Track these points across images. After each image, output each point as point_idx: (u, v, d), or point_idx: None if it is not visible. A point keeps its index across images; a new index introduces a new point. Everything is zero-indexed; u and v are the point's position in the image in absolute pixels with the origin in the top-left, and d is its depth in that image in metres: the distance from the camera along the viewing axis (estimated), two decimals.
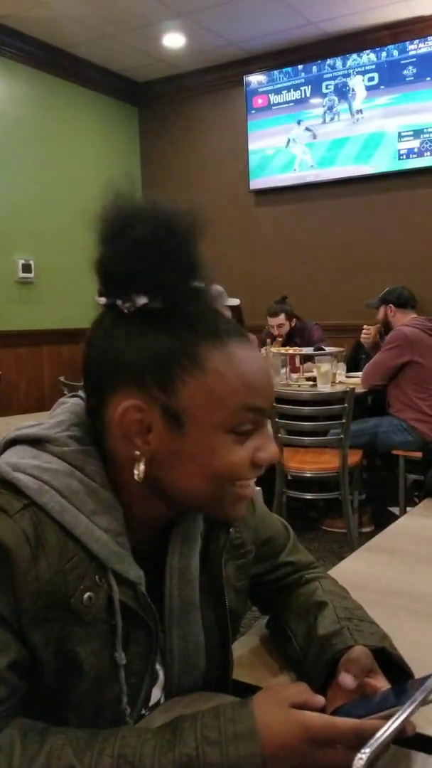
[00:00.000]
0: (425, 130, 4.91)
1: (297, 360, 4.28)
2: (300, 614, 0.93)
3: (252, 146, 5.63)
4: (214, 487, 0.73)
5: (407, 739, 0.70)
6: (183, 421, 0.71)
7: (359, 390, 3.72)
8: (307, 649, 0.87)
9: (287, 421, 3.44)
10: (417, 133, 4.94)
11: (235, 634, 0.93)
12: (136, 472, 0.72)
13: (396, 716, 0.53)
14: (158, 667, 0.82)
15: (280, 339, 4.75)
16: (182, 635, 0.82)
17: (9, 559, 0.67)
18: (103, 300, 0.74)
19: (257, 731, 0.64)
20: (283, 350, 4.36)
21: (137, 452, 0.72)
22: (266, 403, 0.74)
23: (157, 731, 0.67)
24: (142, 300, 0.70)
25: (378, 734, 0.51)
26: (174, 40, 5.17)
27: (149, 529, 0.80)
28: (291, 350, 4.36)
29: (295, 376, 4.18)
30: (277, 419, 3.44)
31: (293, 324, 4.75)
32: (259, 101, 5.58)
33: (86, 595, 0.70)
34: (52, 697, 0.71)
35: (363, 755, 0.50)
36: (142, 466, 0.72)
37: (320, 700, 0.70)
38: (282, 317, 4.72)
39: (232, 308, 4.23)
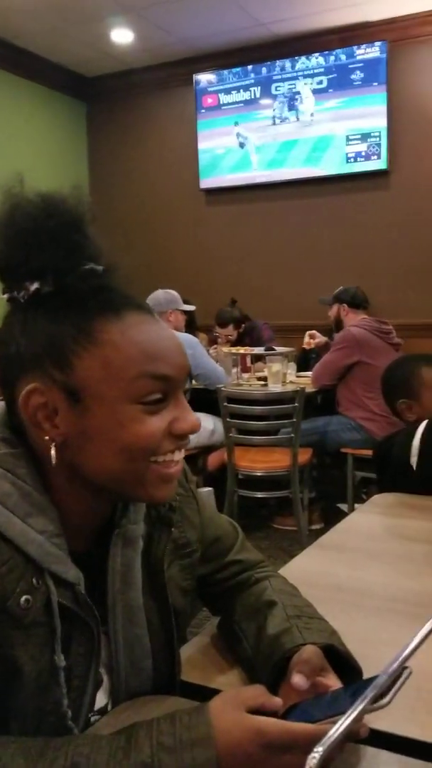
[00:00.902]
0: (371, 134, 4.99)
1: (248, 360, 4.30)
2: (250, 614, 0.92)
3: (202, 145, 5.63)
4: (127, 462, 0.72)
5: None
6: (83, 396, 0.70)
7: (309, 389, 3.76)
8: (258, 649, 0.86)
9: (238, 421, 3.45)
10: (364, 136, 5.01)
11: (183, 635, 0.93)
12: (52, 457, 0.71)
13: (347, 715, 0.53)
14: (102, 670, 0.80)
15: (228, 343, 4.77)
16: (127, 638, 0.81)
17: None
18: (5, 295, 0.75)
19: (213, 737, 0.64)
20: (233, 350, 4.37)
21: (47, 437, 0.72)
22: (173, 371, 0.73)
23: (112, 739, 0.66)
24: (34, 286, 0.71)
25: (330, 733, 0.51)
26: (122, 36, 5.12)
27: (87, 529, 0.80)
28: (242, 350, 4.38)
29: (246, 375, 4.20)
30: (228, 419, 3.44)
31: (241, 329, 4.77)
32: (209, 100, 5.58)
33: (23, 597, 0.69)
34: None
35: (315, 754, 0.50)
36: (53, 451, 0.71)
37: (277, 702, 0.70)
38: (230, 328, 4.73)
39: (186, 312, 4.24)
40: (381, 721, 0.76)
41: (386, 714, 0.76)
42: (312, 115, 5.21)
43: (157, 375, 0.72)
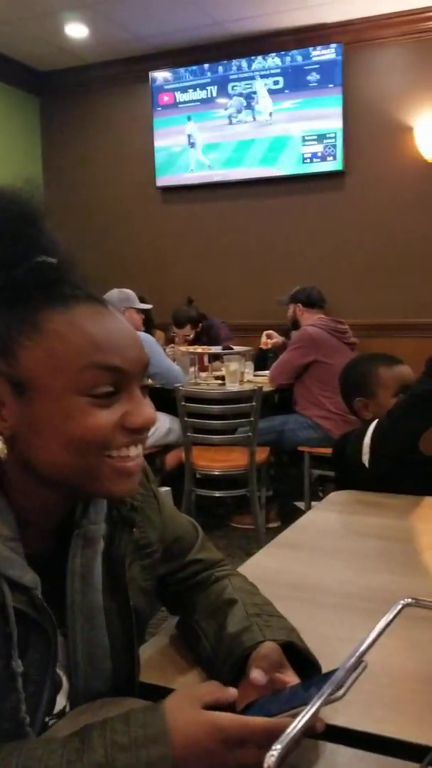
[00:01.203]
0: (327, 136, 5.04)
1: (205, 359, 4.30)
2: (210, 613, 0.92)
3: (158, 143, 5.61)
4: (78, 456, 0.70)
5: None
6: (29, 387, 0.69)
7: (267, 388, 3.78)
8: (218, 648, 0.86)
9: (196, 420, 3.45)
10: (320, 137, 5.06)
11: (142, 635, 0.92)
12: (1, 451, 0.70)
13: (305, 711, 0.54)
14: (60, 672, 0.79)
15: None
16: (86, 639, 0.79)
17: None
18: None
19: (168, 734, 0.63)
20: (191, 349, 4.37)
21: None
22: (125, 363, 0.71)
23: (65, 741, 0.65)
24: None
25: (288, 730, 0.51)
26: (77, 31, 5.07)
27: (46, 529, 0.78)
28: (199, 349, 4.38)
29: (203, 374, 4.20)
30: (185, 418, 3.44)
31: (198, 329, 4.77)
32: (165, 98, 5.57)
33: None
34: None
35: (274, 752, 0.50)
36: (1, 445, 0.70)
37: (232, 692, 0.70)
38: (188, 327, 4.72)
39: (143, 311, 4.23)
40: (339, 717, 0.77)
41: (344, 709, 0.77)
42: (269, 115, 5.24)
43: (108, 366, 0.70)
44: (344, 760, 0.74)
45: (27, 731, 0.72)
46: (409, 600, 0.74)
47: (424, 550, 1.48)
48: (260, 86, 5.23)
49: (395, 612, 0.71)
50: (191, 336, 4.74)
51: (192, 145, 5.52)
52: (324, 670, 0.81)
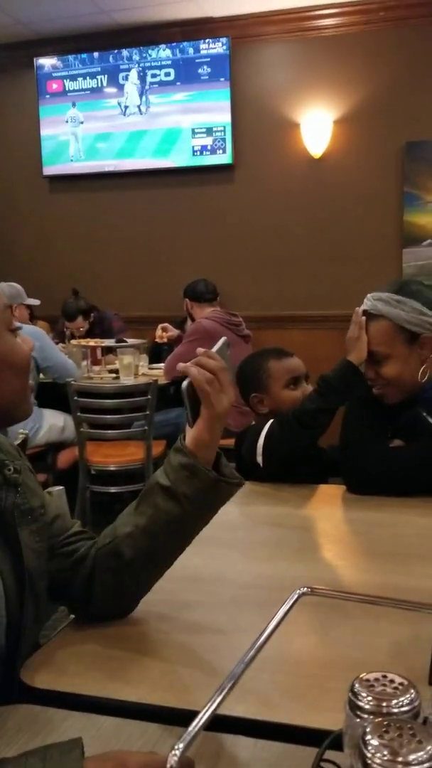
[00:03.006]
0: (214, 129, 5.07)
1: (98, 352, 4.23)
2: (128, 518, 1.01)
3: (45, 131, 5.45)
4: (19, 378, 0.93)
5: (217, 723, 0.71)
6: None
7: (162, 381, 3.77)
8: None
9: (89, 415, 3.39)
10: (209, 130, 5.09)
11: (40, 606, 0.94)
12: None
13: (206, 708, 0.53)
14: None
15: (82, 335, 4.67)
16: None
17: None
18: None
19: None
20: (83, 342, 4.28)
21: None
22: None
23: None
24: None
25: (189, 728, 0.51)
26: None
27: None
28: (92, 342, 4.30)
29: (96, 368, 4.13)
30: (78, 413, 3.37)
31: (90, 319, 4.69)
32: (54, 86, 5.41)
33: None
34: None
35: (177, 750, 0.49)
36: None
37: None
38: (80, 319, 4.62)
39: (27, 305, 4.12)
40: (238, 707, 0.78)
41: (242, 700, 0.78)
42: (159, 106, 5.21)
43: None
44: (246, 751, 0.74)
45: None
46: (305, 589, 0.75)
47: (318, 537, 1.52)
48: (151, 78, 5.19)
49: (292, 602, 0.72)
50: (85, 327, 4.64)
51: (74, 134, 5.40)
52: (224, 662, 0.81)
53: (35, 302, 4.17)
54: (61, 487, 1.41)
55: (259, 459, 1.75)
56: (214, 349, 1.09)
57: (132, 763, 0.62)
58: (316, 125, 4.82)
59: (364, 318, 1.70)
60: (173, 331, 4.43)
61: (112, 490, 3.57)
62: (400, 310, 1.64)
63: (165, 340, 4.46)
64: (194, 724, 0.51)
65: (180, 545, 1.02)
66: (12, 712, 0.82)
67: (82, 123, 5.39)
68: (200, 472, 0.96)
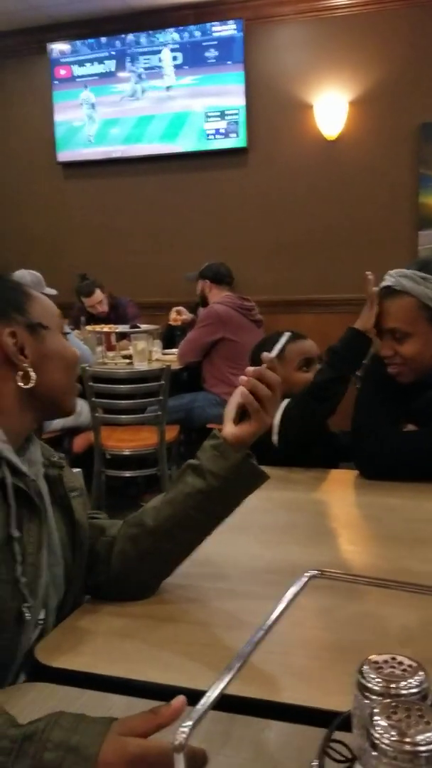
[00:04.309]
0: (227, 112, 5.03)
1: (113, 338, 4.24)
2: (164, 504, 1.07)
3: (58, 117, 5.44)
4: (69, 374, 1.04)
5: (227, 703, 0.72)
6: (40, 327, 0.99)
7: (175, 367, 3.77)
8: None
9: (104, 400, 3.40)
10: (223, 114, 5.05)
11: (83, 556, 1.05)
12: (22, 383, 0.96)
13: (214, 686, 0.54)
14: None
15: (103, 315, 4.67)
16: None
17: None
18: None
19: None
20: (98, 328, 4.30)
21: (24, 365, 0.96)
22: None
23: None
24: None
25: (198, 706, 0.52)
26: None
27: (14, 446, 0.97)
28: (106, 328, 4.31)
29: (111, 354, 4.15)
30: (93, 398, 3.39)
31: (105, 293, 4.69)
32: (62, 72, 5.39)
33: None
34: None
35: (185, 729, 0.50)
36: (32, 373, 0.96)
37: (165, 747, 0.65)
38: (98, 293, 4.64)
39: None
40: (247, 689, 0.78)
41: (252, 681, 0.79)
42: (168, 89, 5.17)
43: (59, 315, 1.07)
44: (255, 732, 0.75)
45: (24, 593, 0.89)
46: (315, 572, 0.76)
47: (330, 522, 1.53)
48: (160, 61, 5.15)
49: (301, 584, 0.73)
50: (104, 301, 4.64)
51: (90, 117, 5.38)
52: (234, 643, 0.82)
53: (53, 292, 4.16)
54: (78, 469, 1.43)
55: (275, 438, 1.74)
56: (278, 346, 1.11)
57: (133, 747, 0.62)
58: (331, 107, 4.78)
59: (375, 289, 1.69)
60: (187, 315, 4.43)
61: (127, 474, 3.60)
62: (425, 288, 1.62)
63: (179, 323, 4.45)
64: (202, 703, 0.52)
65: (200, 525, 1.05)
66: (28, 689, 0.84)
67: (94, 108, 5.37)
68: (228, 452, 1.03)
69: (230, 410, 1.06)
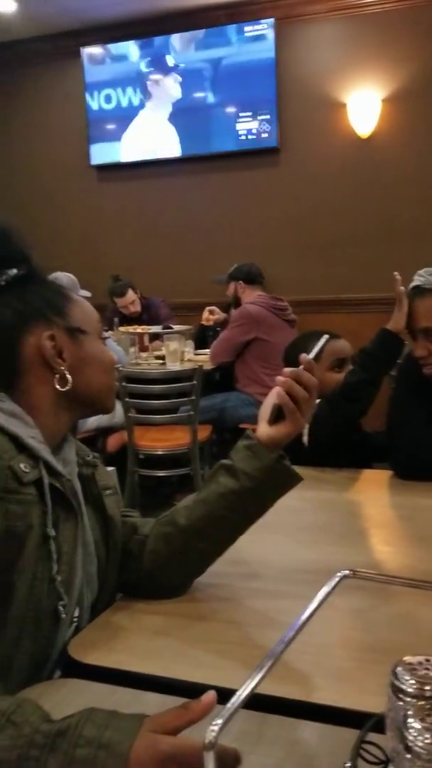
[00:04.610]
0: (258, 113, 5.00)
1: (146, 339, 4.27)
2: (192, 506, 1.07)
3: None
4: (109, 376, 1.07)
5: (259, 703, 0.72)
6: (79, 332, 1.01)
7: (207, 367, 3.78)
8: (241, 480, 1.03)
9: (137, 400, 3.42)
10: (254, 114, 5.03)
11: (117, 552, 1.05)
12: (59, 386, 0.97)
13: (245, 685, 0.54)
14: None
15: (136, 315, 4.70)
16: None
17: None
18: None
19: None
20: (131, 329, 4.33)
21: (61, 368, 0.98)
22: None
23: (31, 735, 0.65)
24: (12, 272, 1.00)
25: (229, 704, 0.52)
26: (5, 5, 4.89)
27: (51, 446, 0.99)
28: (139, 329, 4.34)
29: (144, 354, 4.17)
30: (127, 398, 3.41)
31: (138, 293, 4.72)
32: (97, 75, 5.44)
33: (22, 465, 0.89)
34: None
35: (215, 726, 0.50)
36: (68, 377, 0.98)
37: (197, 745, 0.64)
38: (130, 293, 4.67)
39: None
40: (280, 688, 0.78)
41: (285, 681, 0.78)
42: (199, 90, 5.18)
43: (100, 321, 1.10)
44: (287, 732, 0.75)
45: (59, 591, 0.90)
46: (347, 572, 0.75)
47: (363, 522, 1.51)
48: (193, 62, 5.16)
49: (334, 584, 0.72)
50: (137, 302, 4.68)
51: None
52: (266, 642, 0.82)
53: (87, 294, 4.20)
54: (112, 468, 1.44)
55: (305, 439, 1.73)
56: (316, 348, 1.12)
57: (164, 745, 0.62)
58: (364, 105, 4.74)
59: (402, 288, 1.67)
60: (220, 314, 4.43)
61: (160, 473, 3.61)
62: None
63: (212, 322, 4.47)
64: (232, 701, 0.52)
65: (232, 525, 1.06)
66: (61, 685, 0.85)
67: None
68: (262, 453, 1.03)
69: (265, 411, 1.06)
